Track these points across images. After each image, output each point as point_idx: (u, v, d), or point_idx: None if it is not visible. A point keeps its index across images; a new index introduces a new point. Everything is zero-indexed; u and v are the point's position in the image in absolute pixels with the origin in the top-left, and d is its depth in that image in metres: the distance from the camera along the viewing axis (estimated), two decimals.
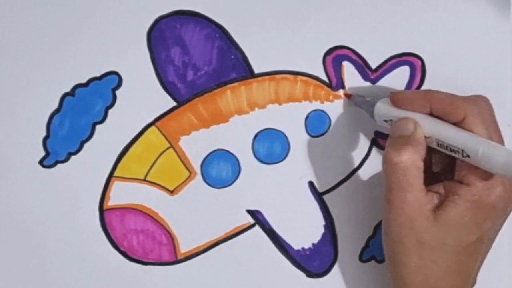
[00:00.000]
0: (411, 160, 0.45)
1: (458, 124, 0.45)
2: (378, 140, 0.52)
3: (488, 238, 0.47)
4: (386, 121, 0.48)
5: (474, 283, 0.48)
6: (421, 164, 0.45)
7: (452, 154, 0.45)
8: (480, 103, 0.46)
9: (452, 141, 0.45)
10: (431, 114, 0.46)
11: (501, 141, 0.46)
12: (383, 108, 0.48)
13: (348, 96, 0.51)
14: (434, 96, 0.46)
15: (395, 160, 0.45)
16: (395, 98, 0.48)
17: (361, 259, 0.53)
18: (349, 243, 0.52)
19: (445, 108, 0.46)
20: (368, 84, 0.51)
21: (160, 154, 0.50)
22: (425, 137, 0.46)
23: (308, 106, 0.51)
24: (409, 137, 0.46)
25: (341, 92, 0.51)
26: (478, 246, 0.46)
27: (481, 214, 0.45)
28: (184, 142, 0.50)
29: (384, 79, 0.52)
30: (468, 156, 0.44)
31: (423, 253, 0.45)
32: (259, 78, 0.50)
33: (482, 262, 0.48)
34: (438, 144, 0.46)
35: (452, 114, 0.45)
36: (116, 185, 0.50)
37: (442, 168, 0.48)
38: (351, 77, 0.51)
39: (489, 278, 0.54)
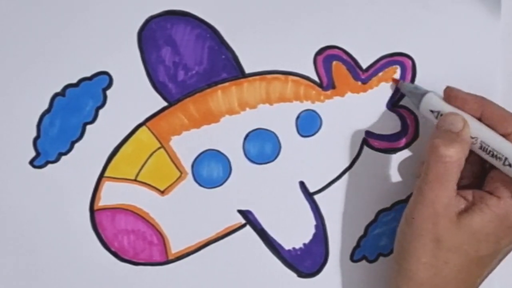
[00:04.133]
0: (457, 157, 0.45)
1: (505, 136, 0.46)
2: (369, 140, 0.52)
3: (502, 254, 0.48)
4: (432, 111, 0.48)
5: None
6: (463, 164, 0.46)
7: (493, 160, 0.46)
8: None
9: (497, 146, 0.46)
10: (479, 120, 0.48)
11: None
12: (434, 99, 0.49)
13: (395, 81, 0.51)
14: (488, 104, 0.47)
15: (442, 153, 0.45)
16: (450, 94, 0.48)
17: (352, 259, 0.53)
18: (340, 243, 0.52)
19: (496, 118, 0.47)
20: (359, 83, 0.51)
21: (151, 154, 0.50)
22: (472, 137, 0.47)
23: (299, 106, 0.51)
24: (457, 134, 0.46)
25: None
26: (490, 260, 0.47)
27: (503, 229, 0.46)
28: (175, 142, 0.50)
29: (375, 79, 0.52)
30: (510, 165, 0.45)
31: (438, 252, 0.46)
32: (250, 78, 0.50)
33: (487, 277, 0.49)
34: (481, 147, 0.47)
35: (502, 125, 0.46)
36: (106, 186, 0.50)
37: (472, 176, 0.49)
38: (342, 77, 0.51)
39: None
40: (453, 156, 0.45)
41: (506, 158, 0.45)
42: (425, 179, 0.46)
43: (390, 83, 0.52)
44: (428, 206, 0.46)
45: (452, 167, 0.45)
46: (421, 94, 0.49)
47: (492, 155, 0.46)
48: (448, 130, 0.46)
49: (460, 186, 0.47)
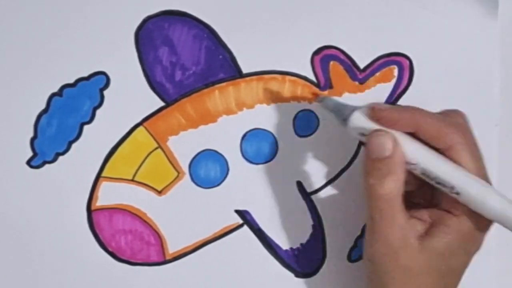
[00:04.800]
0: (396, 189, 0.43)
1: (443, 151, 0.43)
2: None
3: (463, 270, 0.46)
4: (363, 134, 0.44)
5: None
6: (402, 191, 0.43)
7: (439, 186, 0.44)
8: (466, 132, 0.44)
9: (443, 175, 0.43)
10: (411, 134, 0.44)
11: (485, 174, 0.45)
12: (361, 120, 0.44)
13: (315, 95, 0.49)
14: (422, 119, 0.43)
15: (379, 193, 0.43)
16: (378, 115, 0.44)
17: (350, 259, 0.53)
18: (337, 243, 0.52)
19: (433, 134, 0.43)
20: (356, 83, 0.51)
21: (148, 154, 0.50)
22: (410, 163, 0.43)
23: (296, 106, 0.51)
24: (389, 161, 0.43)
25: (324, 93, 0.51)
26: (464, 266, 0.46)
27: (470, 241, 0.45)
28: (172, 142, 0.50)
29: (373, 79, 0.52)
30: (458, 193, 0.43)
31: (408, 279, 0.44)
32: (247, 78, 0.50)
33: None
34: (424, 173, 0.44)
35: (439, 141, 0.43)
36: (104, 186, 0.50)
37: (422, 195, 0.47)
38: (339, 77, 0.51)
39: (477, 276, 0.54)
40: (391, 191, 0.43)
41: (453, 187, 0.43)
42: (371, 219, 0.44)
43: (388, 83, 0.52)
44: (383, 245, 0.44)
45: (394, 201, 0.43)
46: (347, 113, 0.45)
47: (437, 182, 0.43)
48: (377, 159, 0.43)
49: (414, 203, 0.46)
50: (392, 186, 0.43)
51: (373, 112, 0.44)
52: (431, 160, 0.43)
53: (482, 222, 0.44)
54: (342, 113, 0.45)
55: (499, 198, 0.42)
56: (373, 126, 0.44)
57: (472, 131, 0.46)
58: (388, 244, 0.44)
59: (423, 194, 0.47)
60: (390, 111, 0.44)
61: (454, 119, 0.45)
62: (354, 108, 0.45)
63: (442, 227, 0.44)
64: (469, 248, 0.45)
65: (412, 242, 0.44)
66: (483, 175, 0.44)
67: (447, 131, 0.43)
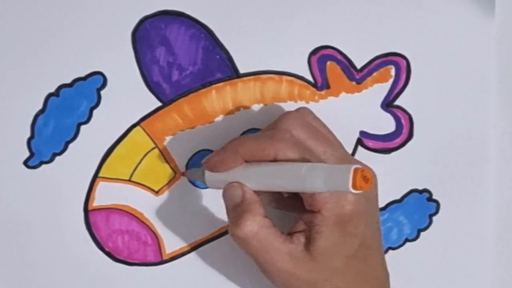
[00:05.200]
0: (256, 226, 0.44)
1: (275, 160, 0.44)
2: (363, 140, 0.52)
3: (372, 234, 0.46)
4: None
5: (387, 274, 0.48)
6: (266, 222, 0.44)
7: (289, 193, 0.45)
8: (283, 136, 0.45)
9: (278, 188, 0.45)
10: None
11: (327, 146, 0.46)
12: (212, 177, 0.47)
13: (183, 175, 0.51)
14: (241, 147, 0.45)
15: (240, 235, 0.44)
16: (209, 166, 0.46)
17: None
18: None
19: (254, 155, 0.45)
20: (353, 83, 0.51)
21: (145, 155, 0.50)
22: (260, 192, 0.45)
23: (294, 106, 0.51)
24: (242, 204, 0.45)
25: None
26: (366, 248, 0.46)
27: (347, 226, 0.44)
28: (169, 142, 0.50)
29: (370, 79, 0.52)
30: (298, 192, 0.44)
31: (335, 285, 0.45)
32: (245, 78, 0.50)
33: (383, 253, 0.48)
34: (276, 191, 0.45)
35: (264, 158, 0.44)
36: (101, 186, 0.50)
37: (294, 207, 0.47)
38: (336, 77, 0.51)
39: (473, 278, 0.54)
40: (252, 230, 0.44)
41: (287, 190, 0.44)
42: (254, 261, 0.45)
43: (385, 83, 0.52)
44: (277, 278, 0.45)
45: (259, 236, 0.44)
46: (202, 173, 0.48)
47: (284, 192, 0.45)
48: (235, 206, 0.45)
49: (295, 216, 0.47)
50: (250, 225, 0.44)
51: (206, 165, 0.47)
52: (263, 181, 0.45)
53: (343, 203, 0.44)
54: (202, 177, 0.48)
55: (319, 170, 0.42)
56: (220, 176, 0.46)
57: (298, 119, 0.46)
58: (279, 275, 0.45)
59: (294, 206, 0.47)
60: (216, 156, 0.46)
61: (269, 129, 0.47)
62: (203, 169, 0.47)
63: (314, 228, 0.44)
64: (352, 231, 0.45)
65: (302, 257, 0.44)
66: (320, 153, 0.45)
67: (264, 146, 0.44)
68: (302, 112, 0.48)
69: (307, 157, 0.44)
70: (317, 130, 0.47)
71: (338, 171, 0.41)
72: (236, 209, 0.45)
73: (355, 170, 0.40)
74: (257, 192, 0.45)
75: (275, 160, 0.44)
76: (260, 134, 0.46)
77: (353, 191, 0.40)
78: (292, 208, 0.48)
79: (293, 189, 0.44)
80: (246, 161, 0.45)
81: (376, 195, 0.48)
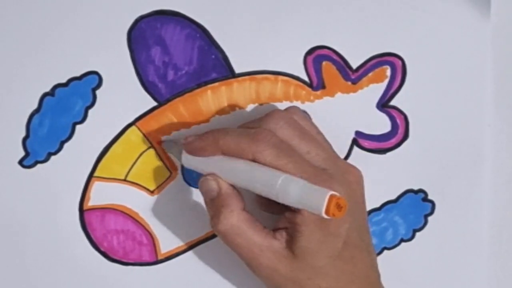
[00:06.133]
0: (234, 221, 0.44)
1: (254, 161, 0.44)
2: (359, 141, 0.52)
3: (358, 234, 0.46)
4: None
5: (378, 274, 0.48)
6: (246, 216, 0.45)
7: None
8: (264, 137, 0.44)
9: (252, 189, 0.44)
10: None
11: (311, 146, 0.45)
12: (188, 158, 0.47)
13: (159, 143, 0.50)
14: (222, 139, 0.45)
15: (220, 230, 0.44)
16: (188, 149, 0.46)
17: None
18: None
19: (233, 151, 0.44)
20: (349, 83, 0.51)
21: (141, 154, 0.50)
22: (238, 187, 0.45)
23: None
24: (218, 198, 0.45)
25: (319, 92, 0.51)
26: (352, 248, 0.46)
27: (329, 226, 0.44)
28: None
29: (365, 79, 0.52)
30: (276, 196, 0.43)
31: (320, 283, 0.45)
32: (240, 78, 0.50)
33: (374, 253, 0.48)
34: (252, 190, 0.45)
35: (241, 156, 0.44)
36: (96, 185, 0.50)
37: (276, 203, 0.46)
38: (332, 77, 0.51)
39: (468, 278, 0.54)
40: (232, 223, 0.44)
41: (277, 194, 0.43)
42: (239, 257, 0.45)
43: (380, 83, 0.52)
44: (263, 275, 0.45)
45: (239, 231, 0.44)
46: (179, 151, 0.48)
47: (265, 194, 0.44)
48: (211, 200, 0.45)
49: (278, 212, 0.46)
50: (227, 220, 0.44)
51: (185, 147, 0.47)
52: (238, 176, 0.44)
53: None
54: (179, 155, 0.48)
55: (295, 188, 0.41)
56: (198, 160, 0.46)
57: (282, 119, 0.46)
58: (264, 272, 0.45)
59: (274, 205, 0.46)
60: (195, 142, 0.46)
61: (254, 125, 0.46)
62: (181, 148, 0.47)
63: (295, 227, 0.44)
64: (334, 230, 0.44)
65: (285, 254, 0.44)
66: (294, 162, 0.44)
67: (244, 147, 0.44)
68: (290, 111, 0.48)
69: (286, 161, 0.43)
70: (303, 129, 0.46)
71: (313, 192, 0.41)
72: (214, 203, 0.45)
73: (331, 197, 0.40)
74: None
75: (253, 161, 0.44)
76: (243, 131, 0.45)
77: (325, 216, 0.40)
78: (272, 208, 0.48)
79: (266, 195, 0.43)
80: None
81: (362, 195, 0.48)
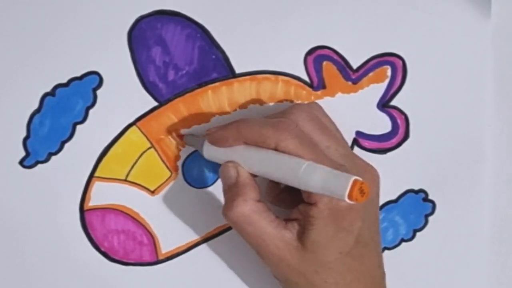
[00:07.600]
0: (247, 210, 0.44)
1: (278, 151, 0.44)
2: (359, 141, 0.52)
3: (369, 233, 0.46)
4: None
5: (383, 274, 0.48)
6: (259, 207, 0.45)
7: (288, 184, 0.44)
8: (288, 126, 0.44)
9: (274, 178, 0.44)
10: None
11: (324, 154, 0.45)
12: (210, 150, 0.47)
13: (181, 137, 0.50)
14: (244, 128, 0.45)
15: (230, 217, 0.44)
16: (211, 139, 0.47)
17: None
18: None
19: (256, 140, 0.45)
20: (349, 83, 0.51)
21: (141, 154, 0.50)
22: (256, 175, 0.45)
23: None
24: (235, 185, 0.45)
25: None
26: (362, 246, 0.46)
27: (343, 221, 0.44)
28: (165, 142, 0.50)
29: (366, 79, 0.52)
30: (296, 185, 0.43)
31: (314, 281, 0.45)
32: (240, 78, 0.50)
33: (381, 253, 0.48)
34: (271, 180, 0.45)
35: (264, 144, 0.44)
36: (96, 186, 0.50)
37: (289, 195, 0.47)
38: (332, 77, 0.51)
39: (469, 278, 0.54)
40: (243, 213, 0.44)
41: (299, 184, 0.43)
42: (249, 244, 0.45)
43: (381, 83, 0.52)
44: (273, 265, 0.45)
45: (251, 219, 0.44)
46: (202, 146, 0.48)
47: (285, 184, 0.44)
48: (229, 187, 0.45)
49: (289, 204, 0.46)
50: (240, 208, 0.44)
51: (208, 137, 0.47)
52: (263, 168, 0.45)
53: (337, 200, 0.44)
54: (201, 147, 0.48)
55: (319, 173, 0.42)
56: (219, 151, 0.46)
57: (306, 113, 0.46)
58: (274, 261, 0.45)
59: (289, 194, 0.47)
60: (219, 131, 0.46)
61: (277, 117, 0.46)
62: (203, 140, 0.48)
63: (309, 220, 0.44)
64: (347, 227, 0.44)
65: (296, 245, 0.45)
66: (320, 153, 0.44)
67: (267, 134, 0.44)
68: (312, 106, 0.48)
69: (308, 152, 0.44)
70: (324, 125, 0.47)
71: (337, 178, 0.41)
72: (230, 190, 0.45)
73: (355, 181, 0.40)
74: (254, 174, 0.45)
75: (276, 149, 0.44)
76: (266, 120, 0.46)
77: (348, 201, 0.40)
78: (286, 203, 0.48)
79: (288, 182, 0.44)
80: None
81: (377, 195, 0.48)
